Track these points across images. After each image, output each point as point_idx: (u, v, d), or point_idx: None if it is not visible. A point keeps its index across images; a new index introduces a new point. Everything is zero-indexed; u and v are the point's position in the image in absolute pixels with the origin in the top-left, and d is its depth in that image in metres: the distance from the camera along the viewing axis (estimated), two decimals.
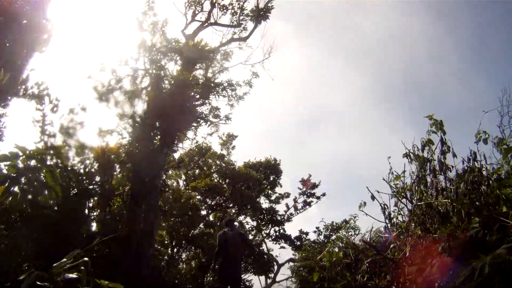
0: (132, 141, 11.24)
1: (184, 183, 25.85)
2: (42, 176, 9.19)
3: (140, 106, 11.67)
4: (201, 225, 22.74)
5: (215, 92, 13.76)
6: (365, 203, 9.30)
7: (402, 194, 8.73)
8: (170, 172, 24.86)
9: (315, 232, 25.37)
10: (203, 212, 25.26)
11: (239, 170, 24.87)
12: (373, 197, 8.46)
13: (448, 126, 7.83)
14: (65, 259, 5.64)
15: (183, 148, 20.51)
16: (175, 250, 21.58)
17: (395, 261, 8.10)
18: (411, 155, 8.36)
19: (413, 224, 8.45)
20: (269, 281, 24.84)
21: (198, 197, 24.81)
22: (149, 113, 11.54)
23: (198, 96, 13.29)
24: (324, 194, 26.23)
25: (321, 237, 24.95)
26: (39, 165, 8.81)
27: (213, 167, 25.68)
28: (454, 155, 7.37)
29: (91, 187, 11.34)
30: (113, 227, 10.97)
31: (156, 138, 11.71)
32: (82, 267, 5.37)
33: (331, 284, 9.08)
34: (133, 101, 11.53)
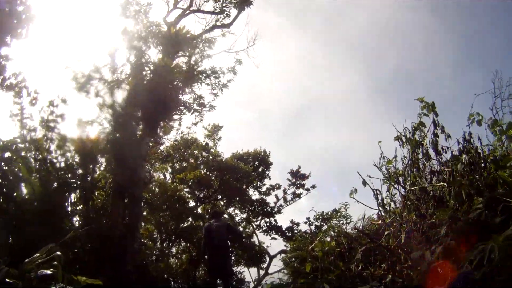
0: (113, 131, 10.76)
1: (171, 175, 25.39)
2: (17, 169, 8.90)
3: (121, 95, 11.23)
4: (190, 218, 22.32)
5: (198, 80, 13.37)
6: (356, 190, 9.01)
7: (395, 179, 8.43)
8: (157, 165, 24.41)
9: (305, 222, 25.13)
10: (192, 205, 24.90)
11: (226, 162, 24.43)
12: (364, 183, 8.15)
13: (441, 114, 7.51)
14: (37, 254, 5.23)
15: (166, 139, 20.19)
16: (164, 244, 21.19)
17: (390, 249, 7.84)
18: (403, 138, 8.03)
19: (407, 209, 8.18)
20: (261, 273, 24.58)
21: (186, 189, 24.38)
22: (130, 102, 11.08)
23: (180, 84, 12.88)
24: (314, 186, 26.01)
25: (312, 227, 24.68)
26: (14, 156, 8.50)
27: (200, 158, 25.20)
28: (449, 136, 7.05)
29: (72, 180, 10.92)
30: (96, 221, 10.55)
31: (138, 127, 11.25)
32: (56, 263, 4.97)
33: (324, 275, 8.78)
34: (114, 90, 11.08)
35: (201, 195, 24.66)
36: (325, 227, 23.87)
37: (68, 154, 11.14)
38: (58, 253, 4.86)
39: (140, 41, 12.07)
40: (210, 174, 24.64)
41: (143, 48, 11.92)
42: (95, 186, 10.99)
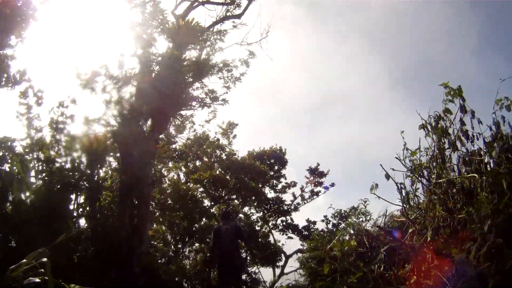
0: (120, 128, 10.27)
1: (185, 175, 24.98)
2: (14, 168, 8.52)
3: (128, 91, 10.74)
4: (204, 219, 21.86)
5: (209, 74, 12.84)
6: (376, 185, 8.36)
7: (419, 172, 7.78)
8: (170, 164, 24.01)
9: (323, 221, 24.65)
10: (207, 204, 24.49)
11: (242, 161, 23.91)
12: (387, 176, 7.50)
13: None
14: (24, 260, 4.71)
15: (179, 137, 19.74)
16: (179, 245, 20.77)
17: (415, 248, 7.23)
18: (428, 126, 7.36)
19: (432, 204, 7.55)
20: (277, 272, 24.02)
21: (201, 189, 23.96)
22: (137, 97, 10.58)
23: (191, 79, 12.38)
24: (333, 185, 25.33)
25: (330, 225, 24.11)
26: (9, 154, 8.08)
27: (214, 157, 24.74)
28: (479, 122, 6.37)
29: (77, 181, 10.47)
30: (103, 223, 10.09)
31: (146, 124, 10.75)
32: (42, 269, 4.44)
33: (344, 277, 8.18)
34: (120, 85, 10.60)
35: (216, 194, 24.21)
36: (343, 225, 23.30)
37: (75, 154, 10.75)
38: (45, 259, 4.32)
39: (147, 33, 11.56)
40: (225, 174, 24.17)
41: (150, 40, 11.40)
42: (101, 186, 10.50)
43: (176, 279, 14.53)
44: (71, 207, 10.12)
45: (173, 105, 10.84)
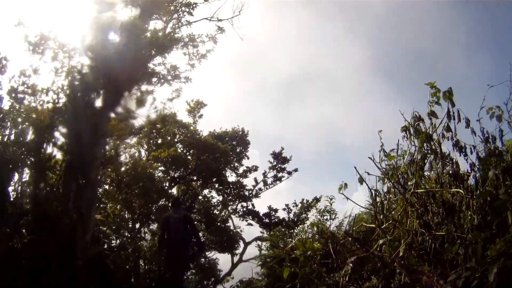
0: (70, 102, 9.19)
1: (146, 152, 23.94)
2: None
3: (81, 60, 9.63)
4: (163, 200, 20.98)
5: (173, 48, 11.81)
6: (345, 184, 7.74)
7: (395, 177, 7.13)
8: (132, 140, 22.90)
9: (284, 209, 24.02)
10: (166, 184, 23.58)
11: (204, 140, 23.01)
12: (361, 180, 6.86)
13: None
14: None
15: (137, 114, 18.61)
16: (136, 225, 19.86)
17: (384, 261, 6.63)
18: (411, 129, 6.67)
19: (407, 215, 6.96)
20: (235, 259, 23.43)
21: (161, 168, 23.02)
22: (92, 68, 9.50)
23: (153, 52, 11.36)
24: (296, 170, 24.71)
25: (291, 215, 23.59)
26: None
27: (177, 136, 23.75)
28: (473, 132, 5.68)
29: (21, 157, 9.40)
30: (45, 207, 9.07)
31: (98, 99, 9.68)
32: None
33: (305, 286, 7.52)
34: (72, 54, 9.49)
35: (176, 175, 23.31)
36: (304, 215, 22.91)
37: (19, 127, 9.66)
38: None
39: None
40: (187, 153, 23.25)
41: (111, 5, 10.25)
42: (48, 164, 9.44)
43: (127, 266, 13.60)
44: (11, 187, 9.09)
45: (130, 80, 9.79)
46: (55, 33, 9.52)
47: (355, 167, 6.94)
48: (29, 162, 9.43)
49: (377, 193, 7.22)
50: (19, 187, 9.29)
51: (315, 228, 9.98)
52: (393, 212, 7.46)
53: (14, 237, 8.12)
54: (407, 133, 6.58)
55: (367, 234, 8.53)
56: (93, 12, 10.24)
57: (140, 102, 17.40)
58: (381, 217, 7.13)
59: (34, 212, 8.85)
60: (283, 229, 12.64)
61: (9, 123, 9.81)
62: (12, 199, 8.87)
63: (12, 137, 9.65)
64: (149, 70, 11.62)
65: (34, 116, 9.39)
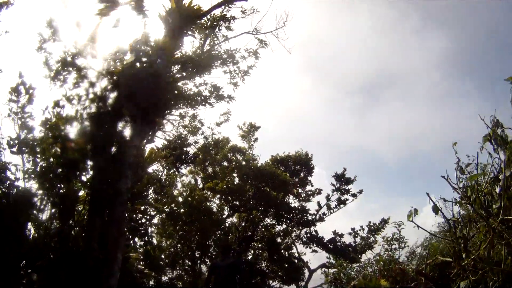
0: (93, 132, 8.35)
1: (202, 181, 23.21)
2: None
3: (107, 86, 8.81)
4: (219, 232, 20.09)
5: (211, 67, 10.85)
6: (416, 210, 6.35)
7: (476, 200, 5.62)
8: (184, 169, 22.27)
9: (350, 234, 22.44)
10: (225, 214, 22.68)
11: (262, 168, 21.87)
12: (436, 210, 5.44)
13: None
14: None
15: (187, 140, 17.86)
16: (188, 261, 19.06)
17: None
18: (498, 139, 5.16)
19: (495, 248, 5.41)
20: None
21: (218, 196, 22.13)
22: (118, 94, 8.66)
23: (188, 73, 10.45)
24: (361, 192, 22.93)
25: (357, 239, 21.83)
26: None
27: (233, 162, 22.81)
28: None
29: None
30: (74, 244, 8.22)
31: (127, 127, 8.79)
32: None
33: None
34: (97, 78, 8.70)
35: (235, 203, 22.33)
36: (372, 239, 21.17)
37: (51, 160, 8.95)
38: None
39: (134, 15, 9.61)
40: (244, 182, 22.22)
41: (139, 25, 9.45)
42: (75, 199, 8.62)
43: None
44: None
45: (161, 104, 8.87)
46: (77, 58, 8.76)
47: (427, 194, 5.58)
48: (56, 196, 8.62)
49: (456, 223, 5.74)
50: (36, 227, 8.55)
51: (381, 264, 8.50)
52: (475, 241, 5.94)
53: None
54: (492, 142, 5.07)
55: (443, 269, 7.03)
56: (118, 33, 9.46)
57: (194, 128, 16.74)
58: (461, 250, 5.61)
59: (58, 251, 8.01)
60: (344, 263, 11.15)
61: (38, 155, 9.14)
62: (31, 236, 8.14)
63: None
64: (185, 91, 10.74)
65: (58, 149, 8.61)
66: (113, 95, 8.76)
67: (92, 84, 8.64)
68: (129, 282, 9.22)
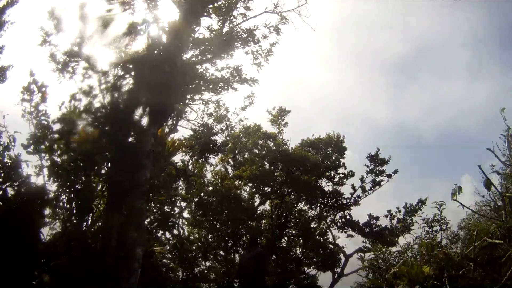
0: (108, 122, 7.90)
1: (233, 170, 22.79)
2: None
3: (120, 75, 8.34)
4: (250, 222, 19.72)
5: (231, 47, 10.25)
6: (460, 188, 5.72)
7: None
8: (213, 159, 21.85)
9: (386, 216, 21.70)
10: (257, 202, 22.26)
11: (292, 152, 21.26)
12: (488, 185, 4.82)
13: None
14: None
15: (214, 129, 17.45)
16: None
17: None
18: None
19: None
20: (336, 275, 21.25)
21: (250, 184, 21.70)
22: (134, 83, 8.18)
23: (209, 56, 9.90)
24: (396, 172, 22.03)
25: (394, 221, 21.03)
26: None
27: (265, 149, 22.31)
28: None
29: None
30: (93, 242, 7.87)
31: (143, 117, 8.30)
32: None
33: None
34: (109, 67, 8.22)
35: (267, 189, 21.80)
36: (409, 221, 20.34)
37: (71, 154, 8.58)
38: None
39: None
40: (274, 167, 21.67)
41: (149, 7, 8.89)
42: (93, 194, 8.25)
43: None
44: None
45: (177, 89, 8.34)
46: (85, 47, 8.30)
47: (479, 166, 4.94)
48: (72, 191, 8.25)
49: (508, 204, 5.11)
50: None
51: (423, 248, 7.80)
52: None
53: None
54: None
55: (493, 252, 6.37)
56: (128, 19, 8.92)
57: (220, 116, 16.23)
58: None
59: (76, 250, 7.67)
60: (382, 248, 10.50)
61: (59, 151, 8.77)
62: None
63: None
64: (206, 76, 10.19)
65: (74, 143, 8.22)
66: (126, 82, 8.29)
67: (104, 73, 8.15)
68: (153, 278, 8.81)
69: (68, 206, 7.94)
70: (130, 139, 8.20)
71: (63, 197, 8.18)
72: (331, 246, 21.75)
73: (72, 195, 8.07)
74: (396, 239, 19.25)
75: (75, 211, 8.16)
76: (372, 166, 22.12)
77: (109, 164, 8.09)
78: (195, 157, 19.76)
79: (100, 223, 8.33)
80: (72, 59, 8.42)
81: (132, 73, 8.25)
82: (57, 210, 8.10)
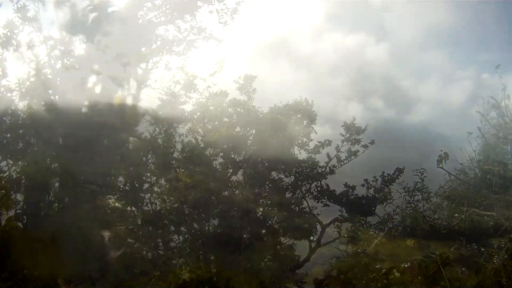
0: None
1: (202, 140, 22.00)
2: None
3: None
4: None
5: (195, 7, 9.43)
6: (446, 154, 5.18)
7: None
8: (182, 128, 20.98)
9: (363, 185, 21.29)
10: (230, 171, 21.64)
11: (263, 117, 20.66)
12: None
13: None
14: None
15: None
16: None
17: None
18: None
19: None
20: (312, 245, 20.96)
21: (221, 154, 21.09)
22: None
23: (169, 17, 9.05)
24: (372, 142, 21.61)
25: (371, 191, 20.66)
26: None
27: (234, 116, 21.60)
28: None
29: None
30: None
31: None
32: None
33: None
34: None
35: (239, 159, 21.44)
36: (387, 190, 19.97)
37: None
38: None
39: None
40: (246, 134, 21.11)
41: None
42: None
43: None
44: None
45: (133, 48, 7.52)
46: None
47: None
48: None
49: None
50: None
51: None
52: None
53: None
54: None
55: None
56: None
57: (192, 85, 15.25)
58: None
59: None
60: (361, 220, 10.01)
61: None
62: None
63: None
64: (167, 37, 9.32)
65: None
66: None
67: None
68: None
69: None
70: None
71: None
72: (306, 216, 21.35)
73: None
74: (373, 208, 18.99)
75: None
76: (348, 135, 21.69)
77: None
78: (164, 128, 18.99)
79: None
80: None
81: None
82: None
